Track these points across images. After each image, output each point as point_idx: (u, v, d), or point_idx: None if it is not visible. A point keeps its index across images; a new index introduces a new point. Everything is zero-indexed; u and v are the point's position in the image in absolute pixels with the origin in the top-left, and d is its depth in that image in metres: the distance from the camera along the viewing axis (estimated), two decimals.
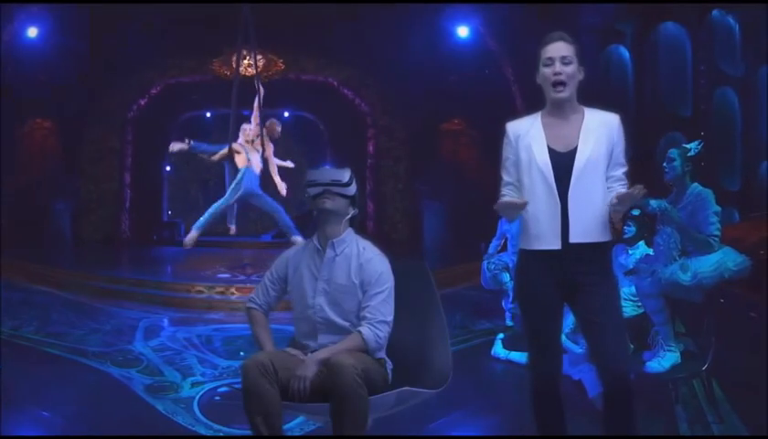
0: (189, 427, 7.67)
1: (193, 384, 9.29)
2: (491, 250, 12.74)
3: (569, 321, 8.94)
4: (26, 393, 8.33)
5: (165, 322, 12.98)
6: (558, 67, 4.93)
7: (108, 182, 26.47)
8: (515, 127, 5.24)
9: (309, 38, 23.20)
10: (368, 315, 5.30)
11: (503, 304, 12.79)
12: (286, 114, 29.91)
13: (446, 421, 7.26)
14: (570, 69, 4.95)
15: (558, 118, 5.05)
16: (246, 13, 15.17)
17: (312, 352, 5.33)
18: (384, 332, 5.30)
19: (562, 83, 4.93)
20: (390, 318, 5.35)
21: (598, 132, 4.94)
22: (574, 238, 4.85)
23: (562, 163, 4.88)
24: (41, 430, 7.48)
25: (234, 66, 16.48)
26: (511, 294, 12.74)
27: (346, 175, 5.50)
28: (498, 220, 12.84)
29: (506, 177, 5.23)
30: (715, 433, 6.83)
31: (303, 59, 25.52)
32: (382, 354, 5.42)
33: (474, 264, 13.33)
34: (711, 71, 15.35)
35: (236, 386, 8.84)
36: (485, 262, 12.59)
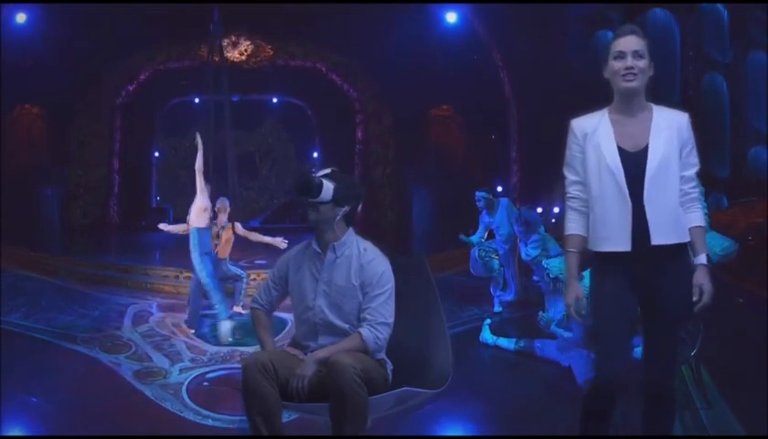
0: (178, 413, 7.67)
1: (181, 370, 9.29)
2: (476, 242, 12.79)
3: (560, 308, 8.97)
4: (15, 379, 8.31)
5: (154, 308, 12.98)
6: (629, 61, 4.70)
7: (96, 168, 26.44)
8: (581, 124, 4.96)
9: (298, 25, 23.17)
10: (368, 316, 5.24)
11: (491, 290, 12.81)
12: (275, 100, 29.97)
13: (434, 407, 7.22)
14: (642, 63, 4.73)
15: (625, 115, 4.83)
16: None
17: (311, 353, 5.30)
18: (384, 334, 5.25)
19: (633, 73, 4.73)
20: (391, 320, 5.30)
21: (669, 131, 4.73)
22: (656, 240, 4.65)
23: (632, 163, 4.68)
24: (30, 416, 7.46)
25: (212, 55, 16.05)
26: (500, 280, 12.79)
27: (312, 187, 5.28)
28: (480, 214, 12.88)
29: (571, 176, 4.98)
30: (703, 419, 6.83)
31: (291, 45, 25.52)
32: (382, 354, 5.37)
33: (463, 250, 13.33)
34: (700, 57, 15.37)
35: (234, 371, 8.93)
36: (476, 249, 12.62)
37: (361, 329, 5.18)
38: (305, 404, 5.00)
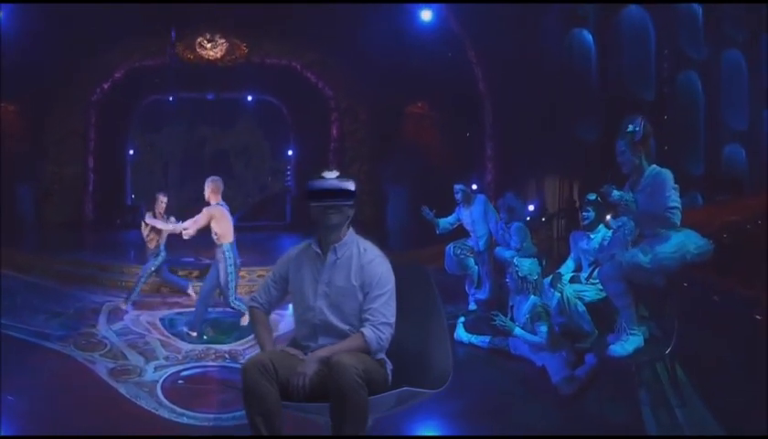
0: (153, 411, 7.68)
1: (156, 368, 9.30)
2: (441, 226, 12.78)
3: (525, 310, 9.00)
4: None
5: (129, 306, 12.90)
6: None
7: (71, 165, 26.32)
8: None
9: (272, 22, 23.14)
10: (370, 317, 5.25)
11: (466, 288, 12.82)
12: (249, 98, 29.90)
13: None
14: None
15: None
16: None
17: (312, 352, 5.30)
18: (386, 334, 5.26)
19: None
20: (393, 320, 5.30)
21: None
22: None
23: None
24: (4, 414, 7.43)
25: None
26: (475, 278, 12.79)
27: (351, 185, 5.36)
28: (456, 207, 12.87)
29: None
30: (678, 417, 6.84)
31: (266, 43, 25.46)
32: (382, 354, 5.38)
33: (437, 247, 13.34)
34: (675, 55, 15.42)
35: (208, 369, 8.97)
36: (451, 246, 12.63)
37: (363, 329, 5.20)
38: (305, 404, 5.00)
